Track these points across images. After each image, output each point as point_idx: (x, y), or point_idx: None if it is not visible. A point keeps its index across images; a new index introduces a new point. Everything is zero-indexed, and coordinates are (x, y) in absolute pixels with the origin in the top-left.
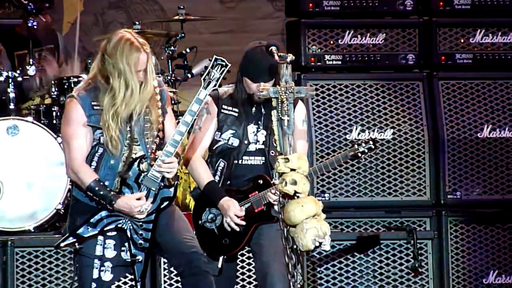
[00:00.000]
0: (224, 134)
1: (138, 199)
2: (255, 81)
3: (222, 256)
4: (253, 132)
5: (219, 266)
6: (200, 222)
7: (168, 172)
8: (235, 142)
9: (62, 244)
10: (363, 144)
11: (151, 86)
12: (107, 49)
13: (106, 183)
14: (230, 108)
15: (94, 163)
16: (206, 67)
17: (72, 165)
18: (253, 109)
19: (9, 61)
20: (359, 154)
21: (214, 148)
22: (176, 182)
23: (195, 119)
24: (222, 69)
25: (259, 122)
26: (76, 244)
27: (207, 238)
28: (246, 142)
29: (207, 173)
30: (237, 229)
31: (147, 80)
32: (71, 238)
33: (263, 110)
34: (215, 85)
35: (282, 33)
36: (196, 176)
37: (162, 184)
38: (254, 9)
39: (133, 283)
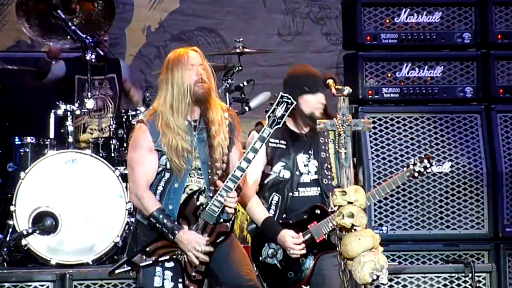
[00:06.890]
0: (274, 167)
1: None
2: (314, 90)
3: None
4: (303, 162)
5: None
6: (260, 258)
7: (229, 207)
8: (286, 174)
9: (116, 271)
10: (419, 164)
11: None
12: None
13: (170, 207)
14: (277, 141)
15: (160, 188)
16: (271, 104)
17: (136, 191)
18: (301, 138)
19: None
20: (416, 174)
21: (265, 182)
22: (233, 217)
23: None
24: (287, 106)
25: (310, 152)
26: (130, 272)
27: (271, 273)
28: (297, 173)
29: (262, 209)
30: (303, 252)
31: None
32: (125, 265)
33: (311, 139)
34: (279, 123)
35: (337, 66)
36: (252, 213)
37: (220, 218)
38: (310, 42)
39: None
